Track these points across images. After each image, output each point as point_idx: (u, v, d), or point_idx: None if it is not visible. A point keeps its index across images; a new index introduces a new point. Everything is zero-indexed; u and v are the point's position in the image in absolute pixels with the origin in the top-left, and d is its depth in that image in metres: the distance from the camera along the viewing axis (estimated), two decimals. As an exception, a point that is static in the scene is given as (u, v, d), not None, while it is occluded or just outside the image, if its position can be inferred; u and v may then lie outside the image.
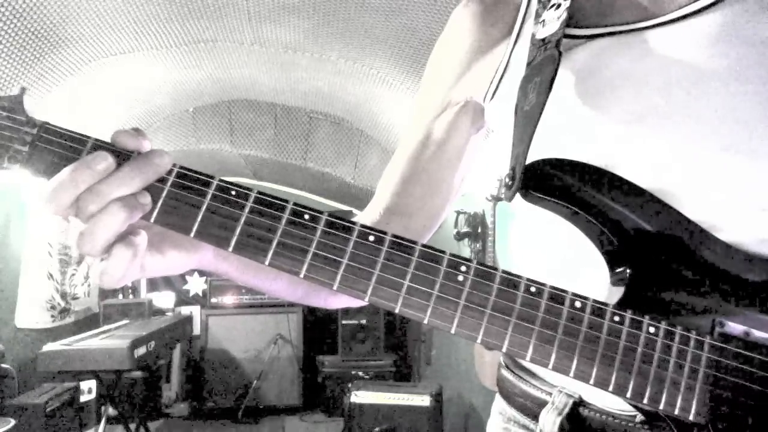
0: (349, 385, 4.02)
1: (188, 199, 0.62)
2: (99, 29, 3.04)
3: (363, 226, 0.63)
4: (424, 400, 3.78)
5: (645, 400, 0.60)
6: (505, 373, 0.87)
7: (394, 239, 0.62)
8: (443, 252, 0.62)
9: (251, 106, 4.65)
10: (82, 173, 0.59)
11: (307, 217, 0.62)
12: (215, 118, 4.71)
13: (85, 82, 3.44)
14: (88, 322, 4.87)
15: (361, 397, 3.87)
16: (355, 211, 6.08)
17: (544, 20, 0.76)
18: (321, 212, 0.63)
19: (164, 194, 0.62)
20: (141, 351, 3.77)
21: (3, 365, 3.58)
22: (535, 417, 0.79)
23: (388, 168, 0.95)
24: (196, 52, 3.64)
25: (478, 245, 3.73)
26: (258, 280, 0.77)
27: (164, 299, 5.73)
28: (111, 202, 0.59)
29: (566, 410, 0.75)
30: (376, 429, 3.75)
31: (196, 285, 6.02)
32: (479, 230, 3.74)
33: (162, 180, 0.62)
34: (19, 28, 2.71)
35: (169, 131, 4.67)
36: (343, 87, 4.02)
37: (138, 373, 4.36)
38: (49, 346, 3.59)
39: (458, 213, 3.92)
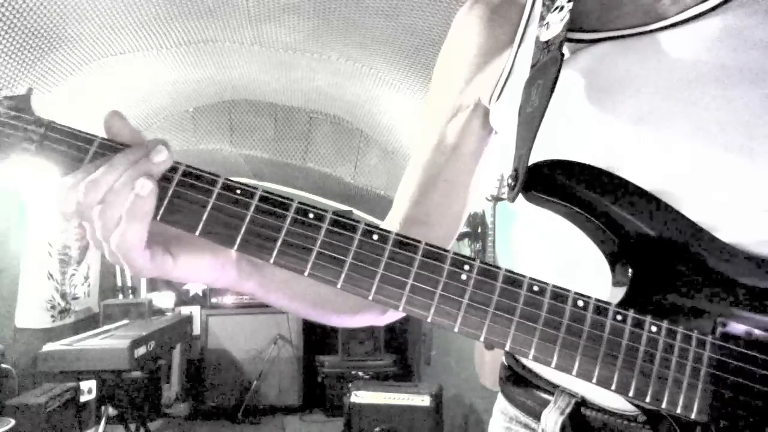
0: (349, 385, 4.02)
1: (194, 198, 0.63)
2: (99, 29, 3.04)
3: (368, 225, 0.63)
4: (424, 400, 3.78)
5: (647, 399, 0.60)
6: (507, 372, 0.88)
7: (398, 238, 0.63)
8: (447, 251, 0.62)
9: (251, 106, 4.65)
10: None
11: (311, 215, 0.63)
12: (215, 118, 4.71)
13: (86, 82, 3.44)
14: (88, 322, 4.87)
15: (361, 397, 3.87)
16: (355, 211, 6.08)
17: (548, 23, 0.77)
18: (326, 211, 0.63)
19: (170, 192, 0.63)
20: (141, 351, 3.77)
21: (3, 365, 3.57)
22: (537, 416, 0.79)
23: (404, 177, 0.95)
24: (196, 52, 3.64)
25: (478, 245, 3.73)
26: (285, 300, 0.78)
27: (164, 299, 5.72)
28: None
29: (568, 410, 0.75)
30: (376, 429, 3.76)
31: (196, 285, 6.02)
32: (479, 230, 3.74)
33: (168, 178, 0.63)
34: (20, 27, 2.71)
35: (169, 131, 4.67)
36: (343, 87, 4.02)
37: (138, 373, 4.36)
38: (49, 346, 3.59)
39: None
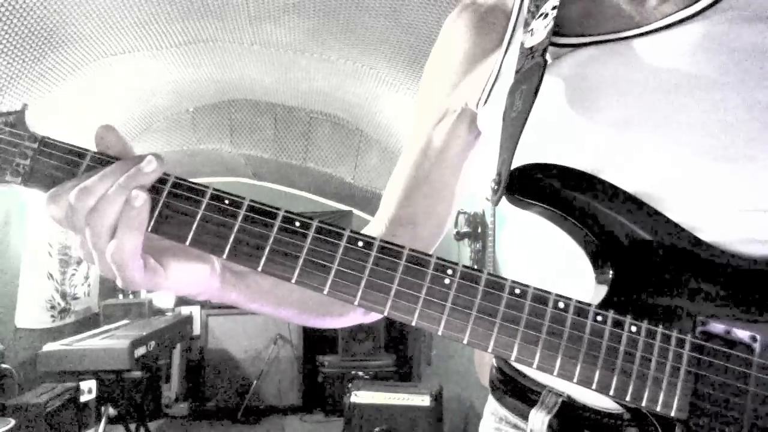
0: (349, 385, 4.03)
1: (183, 208, 0.64)
2: (99, 29, 3.05)
3: (353, 232, 0.64)
4: (424, 400, 3.78)
5: (628, 398, 0.62)
6: (497, 373, 0.88)
7: (383, 244, 0.64)
8: (430, 256, 0.64)
9: (251, 106, 4.66)
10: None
11: (297, 224, 0.64)
12: (215, 118, 4.72)
13: (86, 82, 3.45)
14: (88, 322, 4.89)
15: (361, 397, 3.87)
16: (355, 211, 6.09)
17: (532, 29, 0.78)
18: (312, 219, 0.65)
19: (160, 203, 0.64)
20: (141, 351, 3.78)
21: (3, 365, 3.59)
22: (525, 417, 0.80)
23: (391, 179, 0.97)
24: (196, 52, 3.65)
25: (478, 245, 3.74)
26: (268, 307, 0.79)
27: (164, 299, 5.73)
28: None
29: (555, 409, 0.76)
30: (376, 429, 3.76)
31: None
32: (479, 230, 3.74)
33: (157, 190, 0.64)
34: (20, 27, 2.72)
35: (169, 131, 4.68)
36: (343, 87, 4.03)
37: (138, 373, 4.37)
38: (49, 346, 3.61)
39: (458, 213, 3.91)
